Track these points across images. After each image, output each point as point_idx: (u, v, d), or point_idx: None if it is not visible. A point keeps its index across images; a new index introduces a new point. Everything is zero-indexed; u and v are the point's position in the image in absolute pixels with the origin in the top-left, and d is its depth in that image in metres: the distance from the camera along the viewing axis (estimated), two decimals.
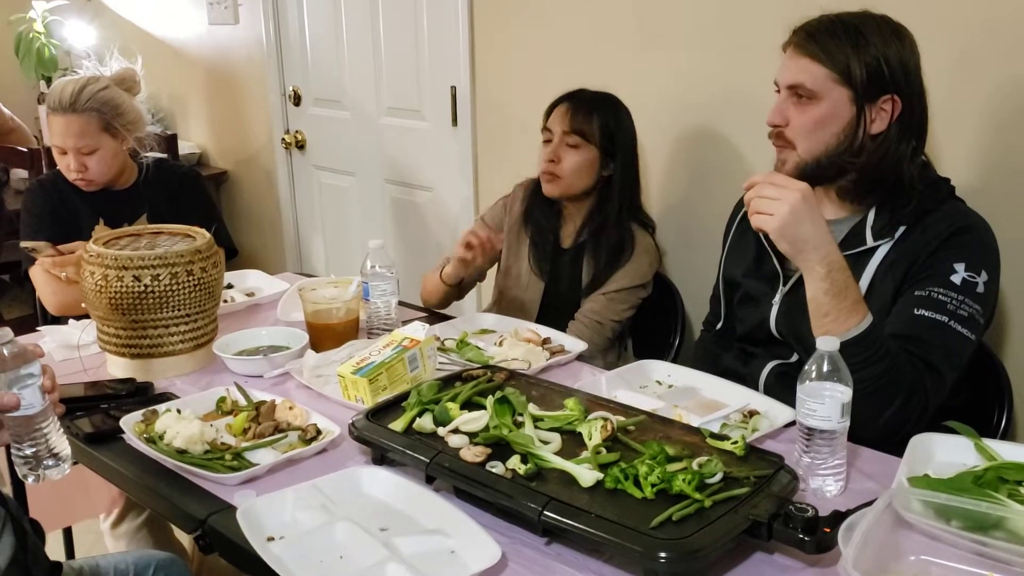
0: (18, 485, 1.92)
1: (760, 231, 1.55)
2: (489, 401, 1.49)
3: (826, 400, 1.32)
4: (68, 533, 2.51)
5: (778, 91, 1.72)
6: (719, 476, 1.27)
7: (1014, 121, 1.95)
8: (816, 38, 1.66)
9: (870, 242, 1.67)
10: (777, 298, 1.80)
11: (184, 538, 2.41)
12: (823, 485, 1.37)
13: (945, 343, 1.56)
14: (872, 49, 1.62)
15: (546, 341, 1.99)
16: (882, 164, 1.66)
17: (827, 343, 1.34)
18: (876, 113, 1.65)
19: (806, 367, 1.35)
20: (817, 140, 1.66)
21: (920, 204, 1.65)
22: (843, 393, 1.32)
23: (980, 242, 1.64)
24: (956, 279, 1.58)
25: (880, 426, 1.53)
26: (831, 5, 1.78)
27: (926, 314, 1.57)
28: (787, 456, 1.37)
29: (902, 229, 1.66)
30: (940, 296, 1.58)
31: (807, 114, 1.66)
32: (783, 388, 1.72)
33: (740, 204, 1.98)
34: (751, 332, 1.87)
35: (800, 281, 1.70)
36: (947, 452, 1.41)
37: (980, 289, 1.59)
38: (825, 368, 1.33)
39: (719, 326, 2.01)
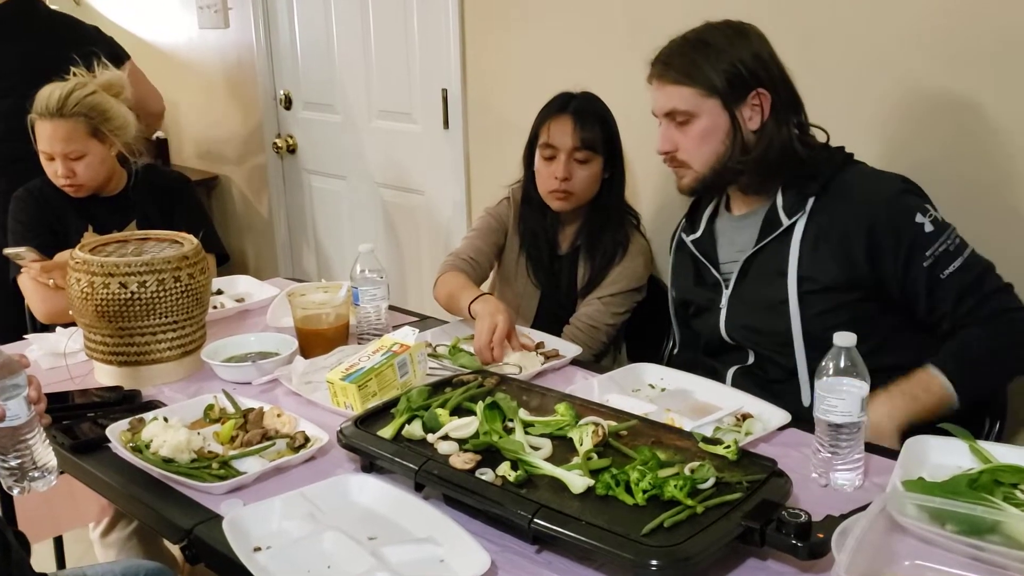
0: (5, 495, 1.90)
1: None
2: (479, 407, 1.47)
3: (845, 395, 1.33)
4: (59, 542, 2.49)
5: (660, 121, 1.82)
6: (711, 481, 1.26)
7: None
8: (671, 64, 1.76)
9: (785, 221, 1.75)
10: (723, 302, 1.86)
11: (174, 547, 2.39)
12: (843, 479, 1.37)
13: (980, 273, 1.68)
14: (724, 55, 1.72)
15: (539, 346, 1.97)
16: (770, 154, 1.75)
17: (843, 339, 1.35)
18: (749, 111, 1.74)
19: (823, 363, 1.36)
20: (706, 153, 1.76)
21: (821, 172, 1.74)
22: (860, 388, 1.33)
23: (912, 191, 1.73)
24: (927, 228, 1.67)
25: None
26: (823, 8, 1.78)
27: (947, 271, 1.66)
28: (781, 460, 1.35)
29: (812, 200, 1.74)
30: (937, 250, 1.66)
31: (689, 134, 1.76)
32: (750, 386, 1.77)
33: (678, 225, 2.04)
34: (708, 343, 1.94)
35: (738, 280, 1.83)
36: (942, 454, 1.40)
37: (941, 217, 1.70)
38: (842, 363, 1.34)
39: (676, 350, 2.07)
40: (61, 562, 2.49)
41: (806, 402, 1.75)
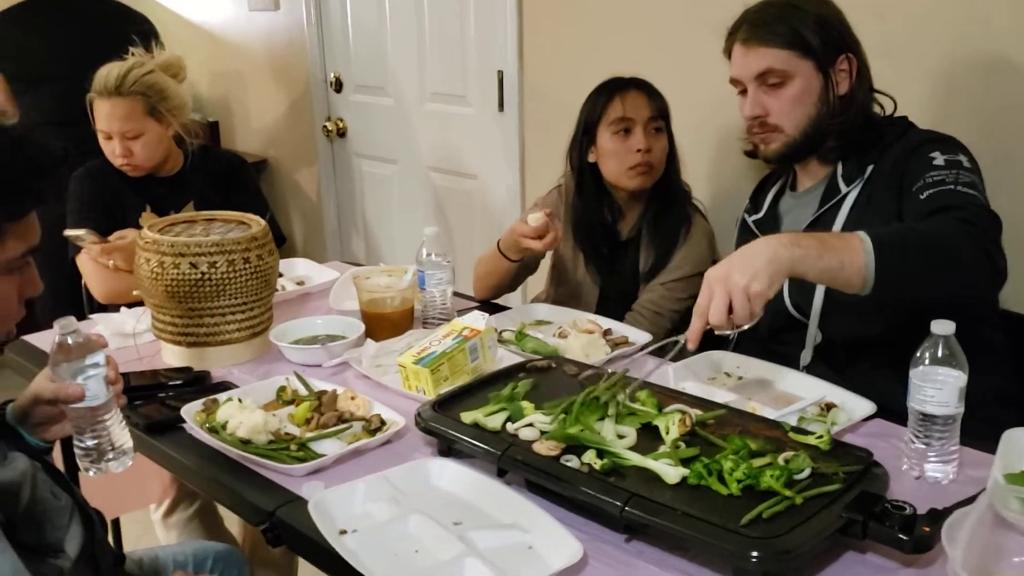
0: (73, 475, 1.90)
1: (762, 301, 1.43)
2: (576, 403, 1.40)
3: (942, 385, 1.29)
4: (116, 524, 2.49)
5: (741, 91, 1.79)
6: (807, 472, 1.22)
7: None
8: (761, 25, 1.73)
9: (843, 189, 1.73)
10: None
11: (234, 527, 2.39)
12: (937, 471, 1.33)
13: (962, 201, 1.53)
14: (812, 17, 1.70)
15: (607, 333, 1.94)
16: (856, 119, 1.74)
17: (941, 327, 1.30)
18: (838, 75, 1.72)
19: (918, 353, 1.32)
20: (799, 115, 1.73)
21: (882, 140, 1.72)
22: (957, 378, 1.29)
23: (951, 140, 1.68)
24: (939, 162, 1.61)
25: (961, 289, 1.49)
26: None
27: (931, 192, 1.57)
28: (872, 450, 1.31)
29: (871, 168, 1.72)
30: (933, 178, 1.59)
31: (784, 96, 1.73)
32: (827, 370, 1.72)
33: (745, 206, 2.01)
34: (772, 324, 1.83)
35: None
36: None
37: (967, 164, 1.61)
38: (940, 353, 1.30)
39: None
40: (118, 543, 2.50)
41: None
